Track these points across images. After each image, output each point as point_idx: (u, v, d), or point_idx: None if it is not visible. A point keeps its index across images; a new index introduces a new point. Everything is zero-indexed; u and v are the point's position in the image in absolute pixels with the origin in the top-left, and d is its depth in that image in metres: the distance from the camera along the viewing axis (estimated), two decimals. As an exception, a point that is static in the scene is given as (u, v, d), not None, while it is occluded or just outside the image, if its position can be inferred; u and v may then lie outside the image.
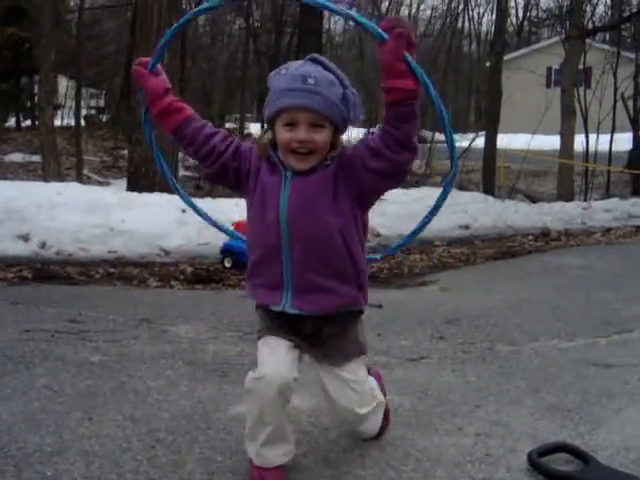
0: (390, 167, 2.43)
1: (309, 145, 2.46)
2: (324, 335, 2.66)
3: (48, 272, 6.80)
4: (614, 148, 18.00)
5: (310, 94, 2.42)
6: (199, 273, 7.07)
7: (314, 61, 2.53)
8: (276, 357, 2.58)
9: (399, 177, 2.50)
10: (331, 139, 2.51)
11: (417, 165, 18.87)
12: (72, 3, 29.31)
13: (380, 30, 2.29)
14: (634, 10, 21.53)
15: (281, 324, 2.64)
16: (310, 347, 2.69)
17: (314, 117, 2.44)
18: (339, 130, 2.54)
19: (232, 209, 8.75)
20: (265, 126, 2.63)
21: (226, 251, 7.40)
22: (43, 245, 7.46)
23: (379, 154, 2.41)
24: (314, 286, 2.53)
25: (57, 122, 18.44)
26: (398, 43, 2.26)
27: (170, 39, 2.93)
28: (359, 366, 2.74)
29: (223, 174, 2.70)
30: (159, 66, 2.83)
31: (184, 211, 8.65)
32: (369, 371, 2.94)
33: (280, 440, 2.64)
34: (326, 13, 27.59)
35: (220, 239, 7.80)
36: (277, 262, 2.55)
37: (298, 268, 2.52)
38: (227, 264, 7.34)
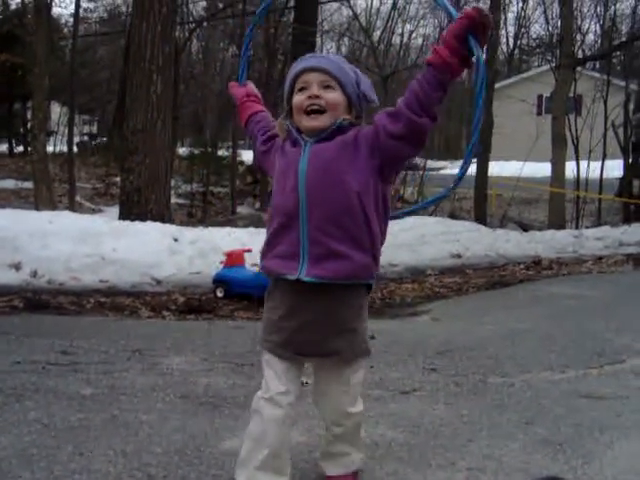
0: (409, 129, 2.46)
1: (320, 101, 2.57)
2: (331, 330, 2.61)
3: (39, 301, 6.77)
4: (605, 175, 18.10)
5: (320, 58, 2.67)
6: (191, 303, 7.06)
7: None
8: (281, 379, 2.62)
9: (417, 142, 2.51)
10: (345, 111, 2.62)
11: (409, 193, 18.95)
12: (65, 30, 29.44)
13: (450, 8, 2.50)
14: (624, 39, 21.77)
15: (285, 327, 2.63)
16: (312, 350, 2.65)
17: (324, 77, 2.59)
18: (353, 105, 2.64)
19: (224, 238, 8.77)
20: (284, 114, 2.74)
21: (218, 281, 7.40)
22: (34, 274, 7.45)
23: (399, 115, 2.47)
24: (330, 252, 2.50)
25: (50, 149, 18.48)
26: (460, 21, 2.37)
27: (248, 47, 3.49)
28: (359, 368, 2.74)
29: (259, 161, 2.93)
30: (249, 82, 3.26)
31: (176, 240, 8.66)
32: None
33: (277, 468, 2.64)
34: (318, 42, 27.80)
35: (212, 268, 7.80)
36: (295, 229, 2.55)
37: (314, 233, 2.51)
38: (219, 294, 7.33)
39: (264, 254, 2.67)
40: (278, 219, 2.60)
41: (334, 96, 2.58)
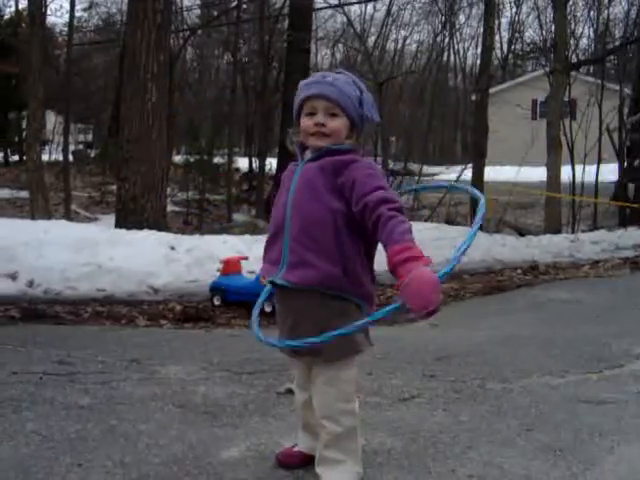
0: None
1: (324, 129, 2.81)
2: (313, 328, 2.77)
3: (36, 311, 6.75)
4: (600, 179, 18.11)
5: (326, 85, 2.83)
6: (188, 311, 7.03)
7: (338, 73, 2.96)
8: (296, 373, 3.07)
9: None
10: (348, 132, 2.87)
11: (405, 199, 18.94)
12: (60, 39, 29.44)
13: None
14: (617, 43, 21.81)
15: (280, 328, 2.96)
16: (301, 349, 2.87)
17: (330, 105, 2.81)
18: (355, 125, 2.88)
19: (219, 246, 8.75)
20: (290, 130, 2.99)
21: (215, 289, 7.38)
22: (31, 284, 7.42)
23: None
24: (302, 261, 2.75)
25: (45, 157, 18.47)
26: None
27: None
28: (344, 364, 2.84)
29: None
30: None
31: (173, 248, 8.64)
32: None
33: (312, 432, 3.06)
34: (312, 48, 27.82)
35: (209, 276, 7.77)
36: (280, 239, 2.84)
37: (292, 244, 2.78)
38: (216, 302, 7.31)
39: (262, 260, 2.98)
40: (271, 229, 2.93)
41: (337, 124, 2.82)
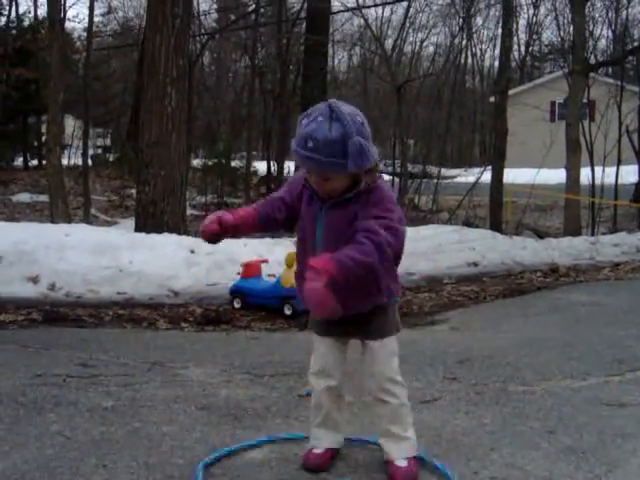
0: None
1: (320, 191, 2.93)
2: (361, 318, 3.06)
3: (58, 314, 6.79)
4: (620, 181, 18.01)
5: (306, 160, 2.81)
6: (209, 314, 7.06)
7: (330, 107, 2.79)
8: (323, 357, 3.16)
9: None
10: (356, 177, 2.87)
11: (424, 201, 18.93)
12: (79, 44, 29.63)
13: None
14: (636, 44, 21.70)
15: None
16: (353, 328, 3.10)
17: (317, 173, 2.88)
18: (359, 172, 2.85)
19: (239, 250, 8.77)
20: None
21: (235, 292, 7.40)
22: (52, 287, 7.47)
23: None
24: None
25: (64, 161, 18.58)
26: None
27: None
28: (387, 340, 3.10)
29: (290, 223, 3.23)
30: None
31: (192, 251, 8.66)
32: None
33: (331, 426, 3.20)
34: (330, 51, 27.85)
35: (229, 279, 7.80)
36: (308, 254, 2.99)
37: None
38: (236, 305, 7.33)
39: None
40: (299, 266, 3.13)
41: (331, 184, 2.89)
